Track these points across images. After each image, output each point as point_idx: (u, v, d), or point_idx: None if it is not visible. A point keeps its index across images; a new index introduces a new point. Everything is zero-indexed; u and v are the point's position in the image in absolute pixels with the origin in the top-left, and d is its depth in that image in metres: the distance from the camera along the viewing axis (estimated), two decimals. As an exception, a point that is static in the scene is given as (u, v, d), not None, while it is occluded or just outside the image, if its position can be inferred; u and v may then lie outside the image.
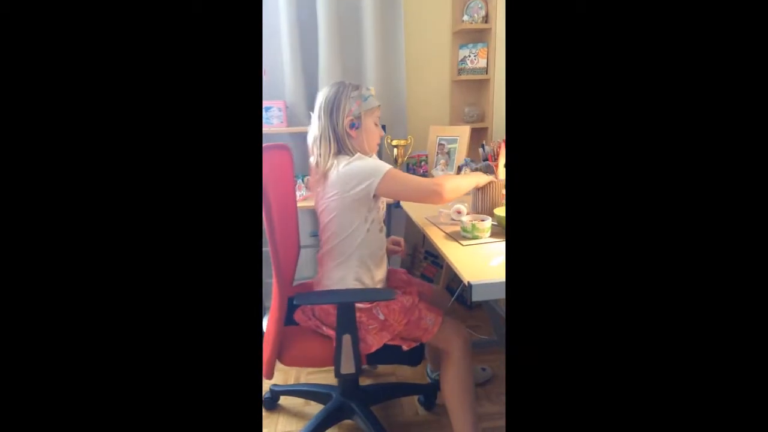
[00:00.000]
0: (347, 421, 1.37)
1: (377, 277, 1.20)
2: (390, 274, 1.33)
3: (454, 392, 1.13)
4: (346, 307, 1.07)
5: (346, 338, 1.07)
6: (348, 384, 1.35)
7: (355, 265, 1.16)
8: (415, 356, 1.14)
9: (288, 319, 1.24)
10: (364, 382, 1.58)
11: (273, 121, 1.90)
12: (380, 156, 1.96)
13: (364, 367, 1.26)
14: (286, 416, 1.47)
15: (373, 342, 1.10)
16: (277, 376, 1.69)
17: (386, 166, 1.11)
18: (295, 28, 1.91)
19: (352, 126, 1.15)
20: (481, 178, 1.29)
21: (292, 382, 1.66)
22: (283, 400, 1.53)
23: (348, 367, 1.09)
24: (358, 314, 1.10)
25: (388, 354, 1.12)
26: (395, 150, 1.93)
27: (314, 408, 1.44)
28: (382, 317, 1.11)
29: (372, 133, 1.20)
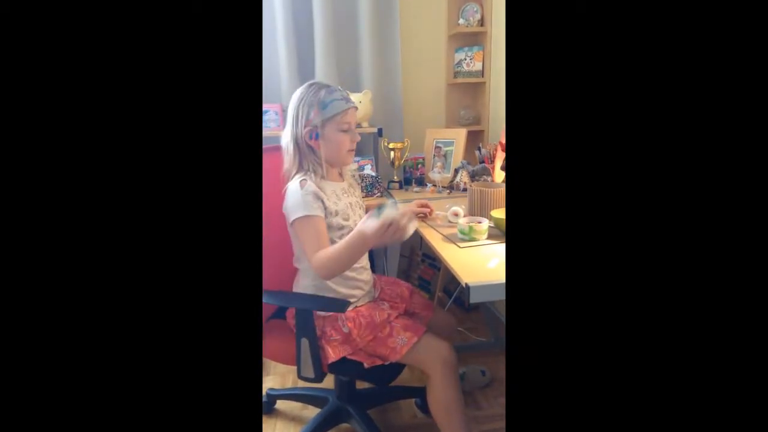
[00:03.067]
0: (344, 425, 1.37)
1: (343, 292, 1.14)
2: (391, 286, 1.28)
3: (439, 414, 1.08)
4: (303, 312, 1.06)
5: (304, 342, 1.06)
6: (344, 387, 1.35)
7: (311, 282, 1.14)
8: (380, 376, 1.09)
9: (281, 316, 1.25)
10: (362, 385, 1.58)
11: (270, 125, 1.90)
12: (376, 158, 1.96)
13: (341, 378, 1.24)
14: (284, 420, 1.46)
15: (332, 353, 1.06)
16: (274, 379, 1.68)
17: (303, 213, 1.03)
18: (291, 30, 1.91)
19: (311, 137, 1.08)
20: (357, 236, 0.96)
21: (289, 385, 1.65)
22: (280, 404, 1.52)
23: (307, 371, 1.08)
24: (321, 323, 1.09)
25: (350, 368, 1.09)
26: (392, 153, 1.93)
27: (311, 412, 1.43)
28: (346, 330, 1.08)
29: (335, 143, 1.09)
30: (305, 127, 1.07)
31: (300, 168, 1.10)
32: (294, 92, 1.13)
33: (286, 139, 1.11)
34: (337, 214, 1.10)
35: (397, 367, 1.11)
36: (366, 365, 1.07)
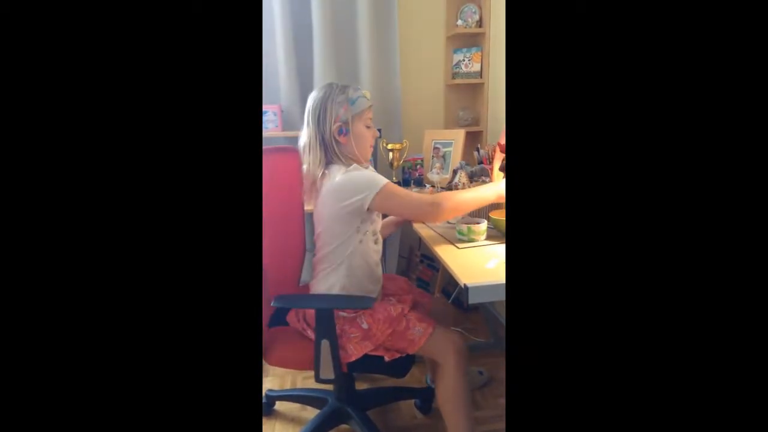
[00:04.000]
0: (344, 426, 1.37)
1: (368, 287, 1.17)
2: (390, 281, 1.30)
3: (448, 403, 1.10)
4: (324, 313, 1.06)
5: (325, 344, 1.06)
6: (344, 388, 1.35)
7: (343, 275, 1.13)
8: (398, 368, 1.11)
9: (280, 320, 1.25)
10: (361, 386, 1.58)
11: (268, 126, 1.90)
12: (375, 159, 1.96)
13: (357, 375, 1.24)
14: (283, 421, 1.46)
15: (354, 351, 1.07)
16: (273, 381, 1.68)
17: (383, 181, 1.06)
18: (289, 32, 1.91)
19: (340, 132, 1.10)
20: (489, 192, 1.12)
21: (288, 386, 1.65)
22: (279, 405, 1.52)
23: (327, 372, 1.07)
24: (341, 322, 1.09)
25: (370, 364, 1.10)
26: (390, 153, 1.93)
27: (311, 413, 1.43)
28: (365, 326, 1.09)
29: (363, 137, 1.14)
30: (335, 123, 1.10)
31: (332, 160, 1.12)
32: (295, 93, 1.14)
33: (307, 138, 1.12)
34: None
35: (411, 358, 1.13)
36: (386, 359, 1.08)
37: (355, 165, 1.11)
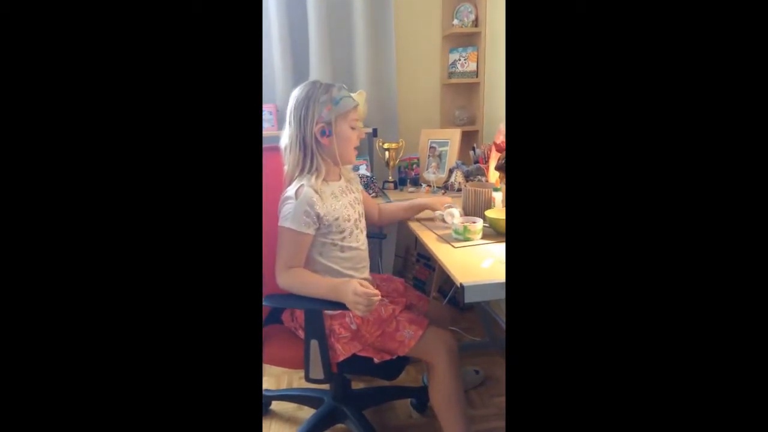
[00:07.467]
0: (340, 425, 1.36)
1: None
2: (386, 283, 1.29)
3: (441, 403, 1.10)
4: (313, 313, 1.06)
5: (314, 344, 1.06)
6: (339, 388, 1.35)
7: None
8: (388, 370, 1.10)
9: (276, 319, 1.25)
10: (357, 385, 1.58)
11: (264, 125, 1.90)
12: (371, 158, 1.96)
13: (348, 376, 1.23)
14: (279, 421, 1.46)
15: (342, 351, 1.07)
16: (269, 381, 1.68)
17: (285, 222, 1.05)
18: (285, 31, 1.91)
19: (323, 134, 1.08)
20: (326, 290, 1.03)
21: (284, 386, 1.65)
22: (276, 405, 1.52)
23: (316, 372, 1.07)
24: (329, 321, 1.09)
25: (360, 365, 1.09)
26: (387, 153, 1.93)
27: (307, 412, 1.43)
28: (354, 327, 1.08)
29: (347, 139, 1.12)
30: (317, 124, 1.07)
31: (304, 169, 1.10)
32: (291, 92, 1.13)
33: (288, 139, 1.11)
34: (336, 218, 1.10)
35: (403, 361, 1.12)
36: (376, 360, 1.07)
37: (297, 189, 1.07)
